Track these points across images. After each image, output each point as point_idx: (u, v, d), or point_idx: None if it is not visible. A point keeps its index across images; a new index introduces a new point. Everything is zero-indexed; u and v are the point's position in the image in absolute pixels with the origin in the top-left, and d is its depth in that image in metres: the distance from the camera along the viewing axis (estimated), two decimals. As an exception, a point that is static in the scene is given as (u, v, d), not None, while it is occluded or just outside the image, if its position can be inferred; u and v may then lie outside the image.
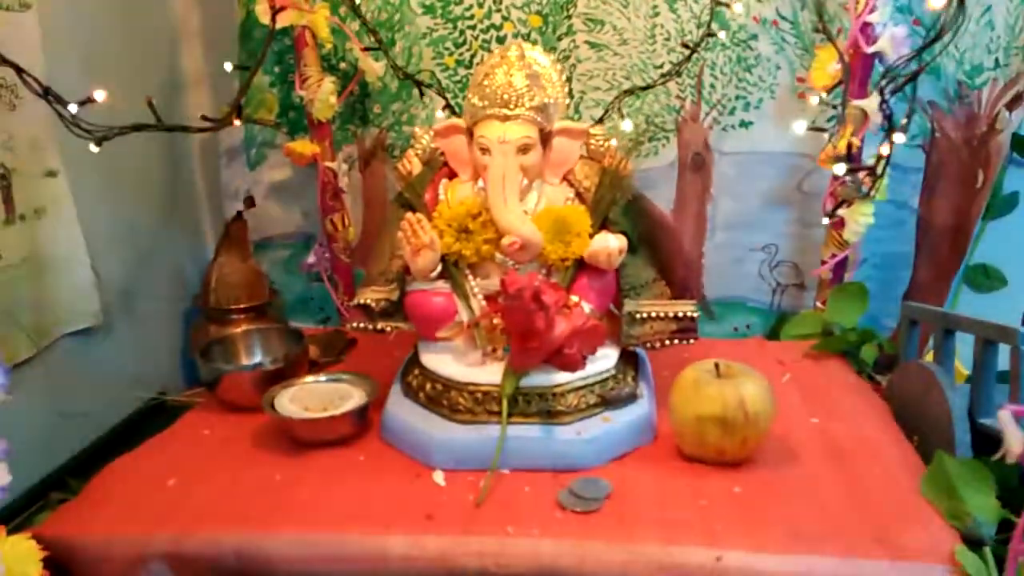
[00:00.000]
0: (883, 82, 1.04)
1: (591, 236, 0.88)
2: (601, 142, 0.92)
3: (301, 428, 0.88)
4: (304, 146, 1.23)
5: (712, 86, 1.21)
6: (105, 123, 0.92)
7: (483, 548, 0.72)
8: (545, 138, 0.90)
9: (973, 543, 0.70)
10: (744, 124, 1.22)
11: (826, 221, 1.16)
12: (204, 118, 1.00)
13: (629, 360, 0.94)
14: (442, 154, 0.94)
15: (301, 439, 0.88)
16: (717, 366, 0.84)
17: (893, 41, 1.02)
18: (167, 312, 1.32)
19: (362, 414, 0.90)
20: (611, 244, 0.86)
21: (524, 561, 0.71)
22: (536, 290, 0.79)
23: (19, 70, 0.83)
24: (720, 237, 1.28)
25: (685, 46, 1.10)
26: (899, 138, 1.06)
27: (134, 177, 1.22)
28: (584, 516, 0.75)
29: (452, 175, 0.94)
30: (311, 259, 1.31)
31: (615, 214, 0.90)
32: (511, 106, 0.87)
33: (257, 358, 1.07)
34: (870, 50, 1.03)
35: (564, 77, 0.94)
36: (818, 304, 1.20)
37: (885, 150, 1.07)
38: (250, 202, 1.35)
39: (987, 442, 0.79)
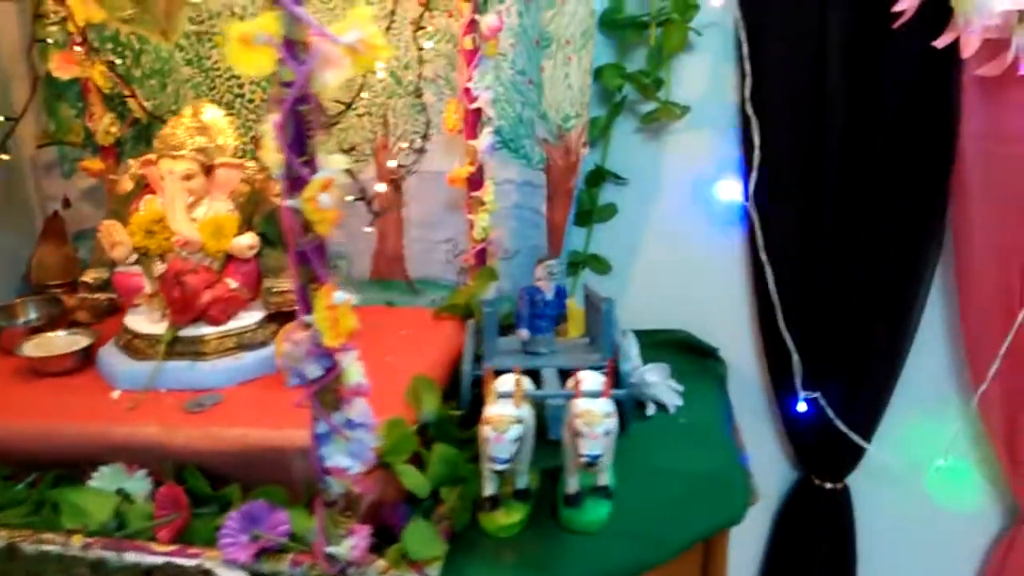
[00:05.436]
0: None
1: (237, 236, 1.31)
2: (252, 172, 1.35)
3: (35, 363, 1.30)
4: (94, 163, 1.65)
5: (395, 123, 1.63)
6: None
7: (122, 431, 1.15)
8: (211, 169, 1.32)
9: (420, 425, 1.15)
10: (421, 151, 1.65)
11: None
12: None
13: (275, 319, 1.36)
14: (145, 177, 1.37)
15: (38, 371, 1.31)
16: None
17: (484, 102, 1.44)
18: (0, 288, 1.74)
19: (84, 355, 1.33)
20: (243, 242, 1.30)
21: (148, 441, 1.14)
22: (177, 272, 1.23)
23: None
24: (415, 233, 1.71)
25: (339, 102, 1.53)
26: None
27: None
28: (194, 415, 1.18)
29: (154, 192, 1.37)
30: (108, 248, 1.74)
31: (257, 221, 1.33)
32: (177, 148, 1.29)
33: (30, 318, 1.49)
34: (472, 107, 1.46)
35: (234, 128, 1.37)
36: (468, 282, 1.63)
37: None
38: (66, 203, 1.78)
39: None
